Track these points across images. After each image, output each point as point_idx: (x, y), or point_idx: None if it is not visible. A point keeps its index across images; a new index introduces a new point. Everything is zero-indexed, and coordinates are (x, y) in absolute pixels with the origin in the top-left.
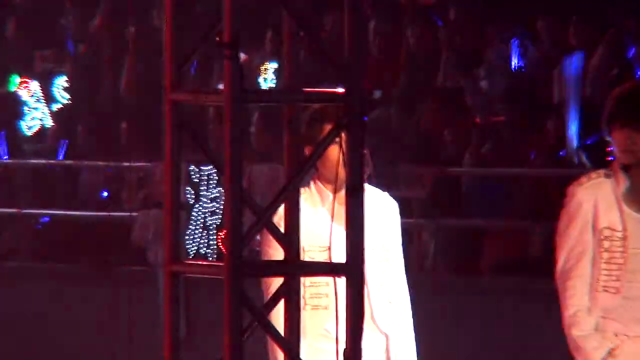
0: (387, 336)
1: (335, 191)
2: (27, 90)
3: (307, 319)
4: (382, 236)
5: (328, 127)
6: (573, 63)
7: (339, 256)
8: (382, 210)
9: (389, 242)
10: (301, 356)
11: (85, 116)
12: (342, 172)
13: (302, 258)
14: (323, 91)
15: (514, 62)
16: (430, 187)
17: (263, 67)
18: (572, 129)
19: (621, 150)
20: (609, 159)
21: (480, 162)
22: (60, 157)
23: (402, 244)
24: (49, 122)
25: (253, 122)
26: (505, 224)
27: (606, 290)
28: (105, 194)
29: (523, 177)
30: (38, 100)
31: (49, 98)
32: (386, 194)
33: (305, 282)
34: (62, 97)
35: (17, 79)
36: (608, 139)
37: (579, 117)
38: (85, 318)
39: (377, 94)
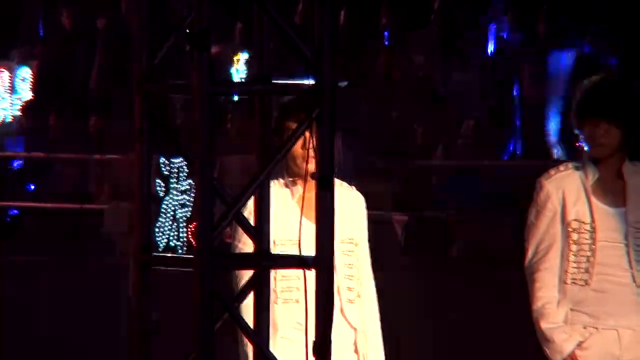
0: (355, 330)
1: (304, 185)
2: (22, 79)
3: (279, 312)
4: (349, 229)
5: (293, 122)
6: (562, 59)
7: (309, 249)
8: (349, 203)
9: (357, 235)
10: (273, 348)
11: (55, 108)
12: (311, 166)
13: (272, 251)
14: (293, 83)
15: (490, 48)
16: (402, 180)
17: (235, 58)
18: (553, 124)
19: (590, 143)
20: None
21: (455, 154)
22: (16, 166)
23: (372, 237)
24: (16, 113)
25: (229, 113)
26: (476, 216)
27: (575, 283)
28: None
29: (492, 169)
30: (6, 92)
31: (13, 89)
32: (353, 188)
33: (277, 275)
34: (23, 89)
35: None
36: (577, 132)
37: (562, 112)
38: (56, 310)
39: (343, 83)
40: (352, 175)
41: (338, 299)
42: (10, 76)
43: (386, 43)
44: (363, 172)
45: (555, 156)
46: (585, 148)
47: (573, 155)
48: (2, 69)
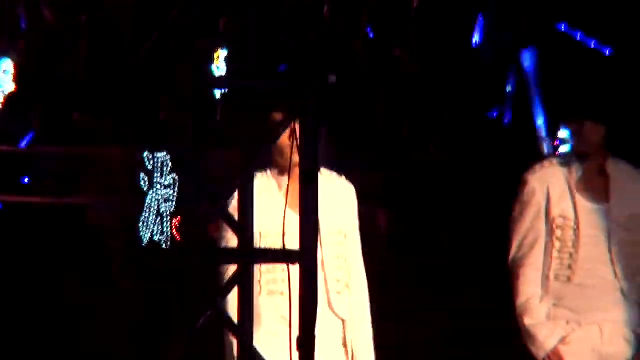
0: (343, 321)
1: (289, 177)
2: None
3: (263, 304)
4: (339, 221)
5: (278, 115)
6: (528, 58)
7: (294, 241)
8: (339, 194)
9: (346, 226)
10: (257, 342)
11: (41, 101)
12: (295, 158)
13: (258, 244)
14: (278, 77)
15: (475, 39)
16: (389, 174)
17: (215, 55)
18: (540, 120)
19: (576, 139)
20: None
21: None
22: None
23: (361, 230)
24: None
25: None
26: (461, 211)
27: (558, 279)
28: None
29: (476, 164)
30: None
31: None
32: (343, 177)
33: (262, 267)
34: (5, 81)
35: None
36: (563, 128)
37: (544, 108)
38: (44, 304)
39: (332, 78)
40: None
41: (325, 291)
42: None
43: (370, 36)
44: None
45: (545, 151)
46: (566, 145)
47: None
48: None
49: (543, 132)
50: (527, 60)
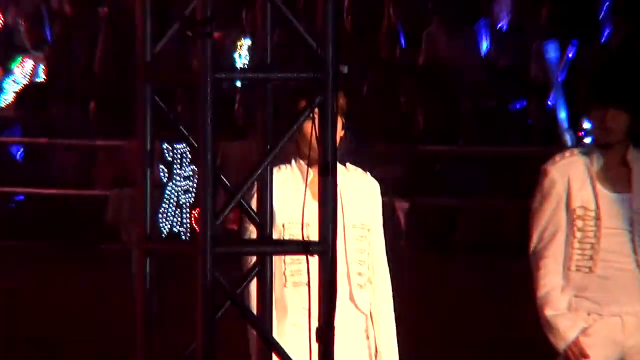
0: (366, 316)
1: (310, 168)
2: (22, 68)
3: (289, 295)
4: (362, 215)
5: (304, 104)
6: (552, 50)
7: (316, 232)
8: (363, 189)
9: (370, 221)
10: (282, 335)
11: (59, 94)
12: (315, 150)
13: (282, 235)
14: (296, 69)
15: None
16: (406, 166)
17: (238, 44)
18: (562, 112)
19: (599, 128)
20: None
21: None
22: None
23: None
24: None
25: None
26: (480, 202)
27: (579, 270)
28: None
29: (498, 156)
30: (24, 78)
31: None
32: (368, 173)
33: (286, 258)
34: (20, 77)
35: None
36: (586, 119)
37: (565, 100)
38: (59, 296)
39: (344, 69)
40: (354, 161)
41: (347, 284)
42: (33, 65)
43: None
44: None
45: (569, 143)
46: (589, 137)
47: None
48: (27, 59)
49: (565, 124)
50: (551, 51)
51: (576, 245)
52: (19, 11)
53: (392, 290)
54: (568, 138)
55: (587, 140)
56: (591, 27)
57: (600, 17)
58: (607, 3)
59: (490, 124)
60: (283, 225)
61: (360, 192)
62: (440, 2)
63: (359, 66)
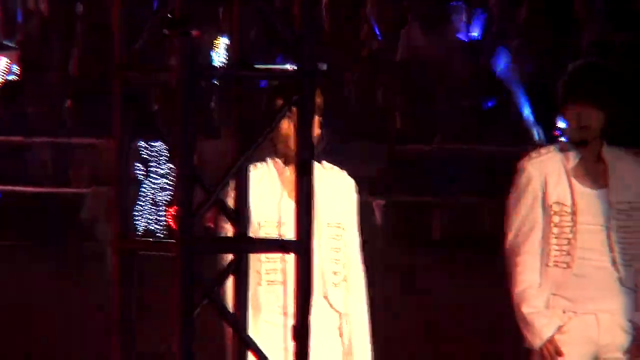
0: (340, 314)
1: (290, 166)
2: None
3: (263, 294)
4: (338, 214)
5: (281, 102)
6: (499, 59)
7: (292, 231)
8: (339, 188)
9: (345, 220)
10: (256, 332)
11: (34, 92)
12: (292, 148)
13: (257, 234)
14: (273, 68)
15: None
16: (383, 164)
17: (215, 42)
18: (526, 109)
19: (574, 127)
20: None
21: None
22: None
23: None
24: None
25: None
26: (456, 200)
27: (557, 265)
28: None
29: (474, 154)
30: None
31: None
32: (344, 172)
33: (261, 257)
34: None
35: None
36: (560, 118)
37: (527, 96)
38: (34, 294)
39: (322, 66)
40: (330, 159)
41: (322, 283)
42: (8, 62)
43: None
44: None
45: (536, 137)
46: (564, 137)
47: (551, 136)
48: (1, 57)
49: (531, 119)
50: (500, 63)
51: (553, 241)
52: None
53: (367, 288)
54: (536, 133)
55: (562, 139)
56: (566, 26)
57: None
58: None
59: (466, 121)
60: (259, 224)
61: (336, 190)
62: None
63: (336, 64)
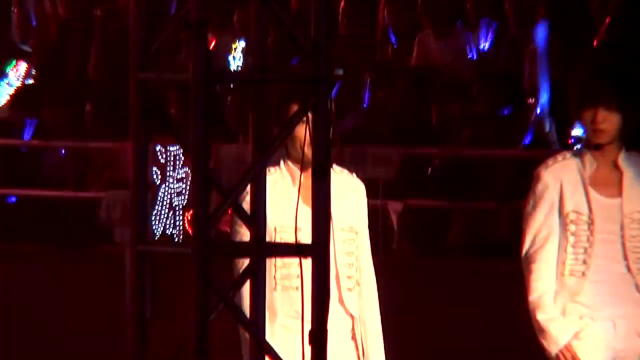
0: (353, 318)
1: (303, 171)
2: (16, 71)
3: (278, 299)
4: (349, 218)
5: (295, 107)
6: (540, 33)
7: (307, 237)
8: (350, 191)
9: (357, 224)
10: (272, 336)
11: (52, 96)
12: (309, 152)
13: (273, 239)
14: (290, 71)
15: (483, 45)
16: (398, 168)
17: (233, 46)
18: (544, 98)
19: (590, 129)
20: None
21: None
22: (27, 137)
23: (369, 225)
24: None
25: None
26: (473, 205)
27: (573, 274)
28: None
29: (491, 159)
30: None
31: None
32: (354, 175)
33: (277, 262)
34: (14, 80)
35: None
36: (577, 123)
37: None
38: (51, 297)
39: (339, 71)
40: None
41: (337, 287)
42: (27, 67)
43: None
44: (358, 159)
45: (547, 129)
46: (578, 144)
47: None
48: (21, 61)
49: (545, 110)
50: (540, 34)
51: (569, 249)
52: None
53: (382, 292)
54: (548, 125)
55: (577, 147)
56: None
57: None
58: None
59: (481, 127)
60: (275, 229)
61: (347, 194)
62: (431, 5)
63: (353, 69)
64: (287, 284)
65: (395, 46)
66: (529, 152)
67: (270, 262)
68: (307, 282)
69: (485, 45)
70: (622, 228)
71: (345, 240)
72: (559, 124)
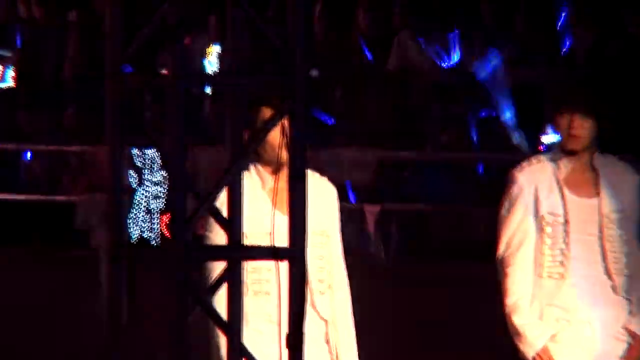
0: (326, 322)
1: (276, 175)
2: None
3: (249, 304)
4: (321, 221)
5: (267, 111)
6: (487, 62)
7: (281, 242)
8: (321, 195)
9: (329, 227)
10: (246, 340)
11: (28, 99)
12: (284, 156)
13: (244, 243)
14: (265, 75)
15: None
16: (375, 172)
17: (208, 50)
18: (507, 112)
19: (568, 135)
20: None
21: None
22: None
23: (344, 228)
24: None
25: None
26: (449, 208)
27: (550, 277)
28: None
29: (466, 163)
30: None
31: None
32: (325, 178)
33: (248, 267)
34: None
35: None
36: (549, 125)
37: (511, 101)
38: (27, 302)
39: (314, 73)
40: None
41: (309, 291)
42: (2, 69)
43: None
44: (333, 163)
45: (515, 141)
46: (549, 151)
47: (532, 141)
48: None
49: (512, 124)
50: (490, 63)
51: (546, 251)
52: None
53: (358, 296)
54: (516, 138)
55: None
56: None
57: (559, 28)
58: (565, 13)
59: (459, 130)
60: (245, 235)
61: (319, 197)
62: (410, 8)
63: (327, 71)
64: (257, 288)
65: (368, 55)
66: (507, 155)
67: (242, 267)
68: (278, 286)
69: (454, 55)
70: (600, 229)
71: (317, 244)
72: (529, 132)
